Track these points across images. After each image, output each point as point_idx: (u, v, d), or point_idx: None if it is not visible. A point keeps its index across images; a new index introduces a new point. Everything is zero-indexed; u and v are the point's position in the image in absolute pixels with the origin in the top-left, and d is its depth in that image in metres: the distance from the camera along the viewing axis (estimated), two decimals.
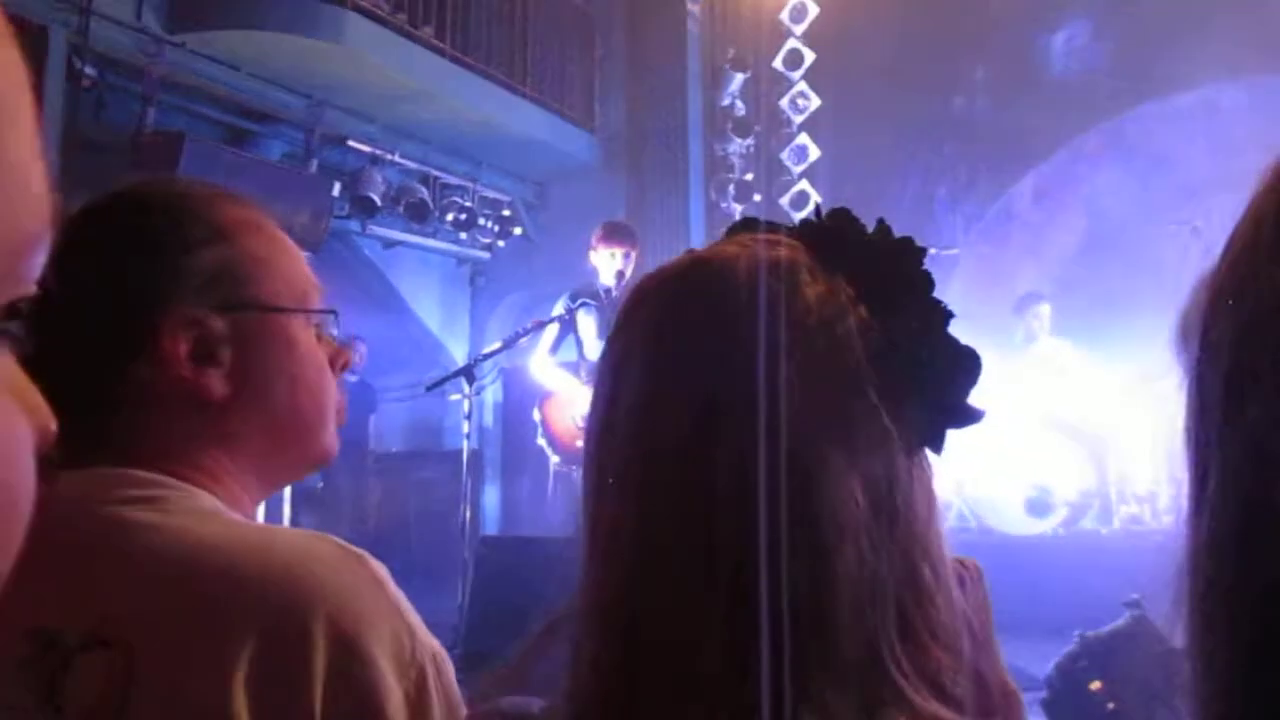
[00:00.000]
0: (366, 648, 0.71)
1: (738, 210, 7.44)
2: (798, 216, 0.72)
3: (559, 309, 4.59)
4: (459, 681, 0.78)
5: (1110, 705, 2.80)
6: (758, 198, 7.56)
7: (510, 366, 6.30)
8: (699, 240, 7.06)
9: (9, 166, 0.29)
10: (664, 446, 0.59)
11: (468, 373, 4.51)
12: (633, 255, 4.52)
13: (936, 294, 0.63)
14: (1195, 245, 4.86)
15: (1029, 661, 2.99)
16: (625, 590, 0.59)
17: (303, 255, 0.94)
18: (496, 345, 4.61)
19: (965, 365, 0.62)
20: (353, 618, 0.72)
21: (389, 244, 7.33)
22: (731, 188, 7.60)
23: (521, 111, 7.24)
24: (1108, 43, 6.69)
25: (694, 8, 7.85)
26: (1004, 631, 0.69)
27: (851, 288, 0.61)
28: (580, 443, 4.32)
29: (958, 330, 0.62)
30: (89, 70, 5.13)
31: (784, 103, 7.49)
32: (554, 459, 4.74)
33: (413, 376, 7.34)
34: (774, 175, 7.58)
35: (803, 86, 7.44)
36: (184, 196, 0.88)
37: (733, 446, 0.57)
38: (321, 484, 6.63)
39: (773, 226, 0.67)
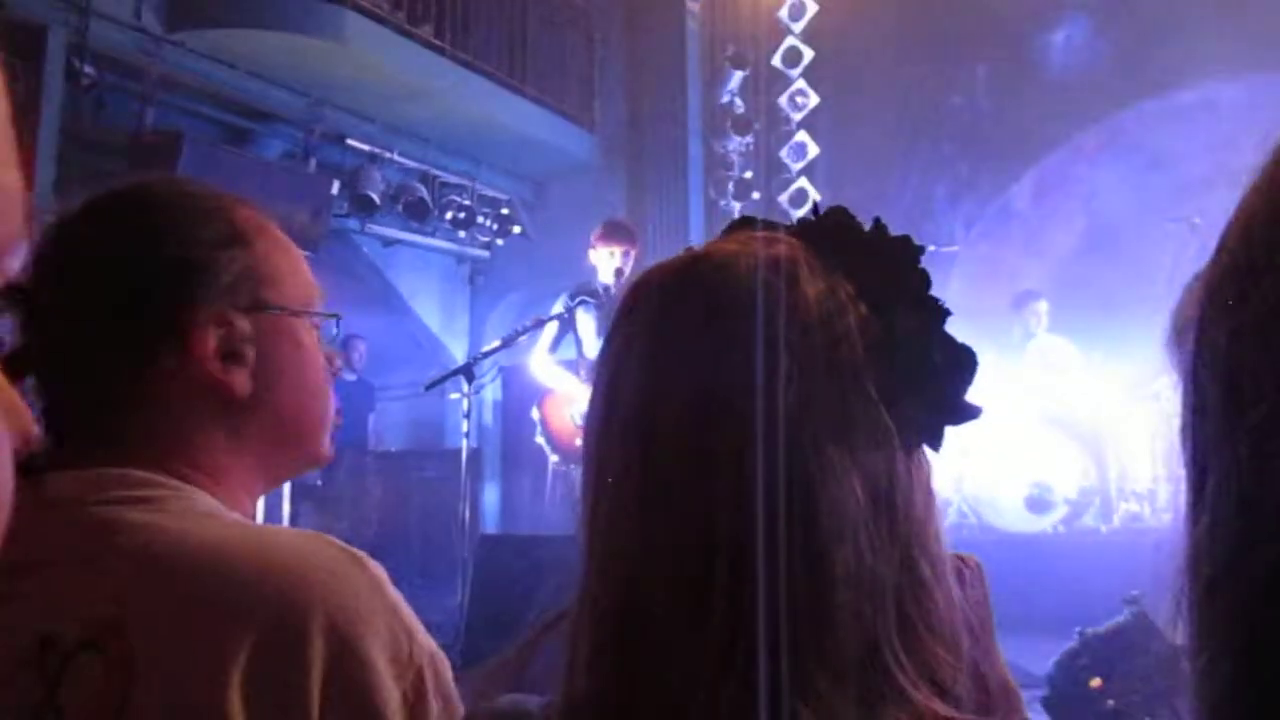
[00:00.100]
0: (364, 649, 0.71)
1: (737, 208, 7.44)
2: (797, 214, 0.72)
3: (558, 307, 4.59)
4: (457, 679, 0.78)
5: (1110, 703, 2.80)
6: (757, 195, 7.56)
7: (509, 365, 6.29)
8: (698, 238, 7.06)
9: None
10: (663, 443, 0.59)
11: (467, 371, 4.51)
12: (632, 253, 4.52)
13: (935, 292, 0.63)
14: (1194, 242, 4.86)
15: (1029, 659, 2.99)
16: (623, 588, 0.59)
17: (303, 257, 0.95)
18: (496, 344, 4.60)
19: (962, 363, 0.62)
20: (351, 619, 0.72)
21: (388, 243, 7.32)
22: (730, 185, 7.60)
23: (520, 109, 7.24)
24: (1107, 41, 6.68)
25: (693, 5, 7.85)
26: (1004, 629, 0.69)
27: (849, 285, 0.61)
28: (579, 441, 4.32)
29: (956, 328, 0.62)
30: (88, 69, 5.13)
31: (783, 100, 7.49)
32: (553, 457, 4.74)
33: (412, 375, 7.34)
34: (773, 173, 7.59)
35: (801, 84, 7.44)
36: (200, 196, 0.89)
37: (732, 443, 0.56)
38: (321, 483, 6.63)
39: (770, 225, 0.67)
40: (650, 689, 0.57)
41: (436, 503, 7.01)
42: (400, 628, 0.75)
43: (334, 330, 0.96)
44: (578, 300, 4.54)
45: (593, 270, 4.60)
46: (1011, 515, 5.68)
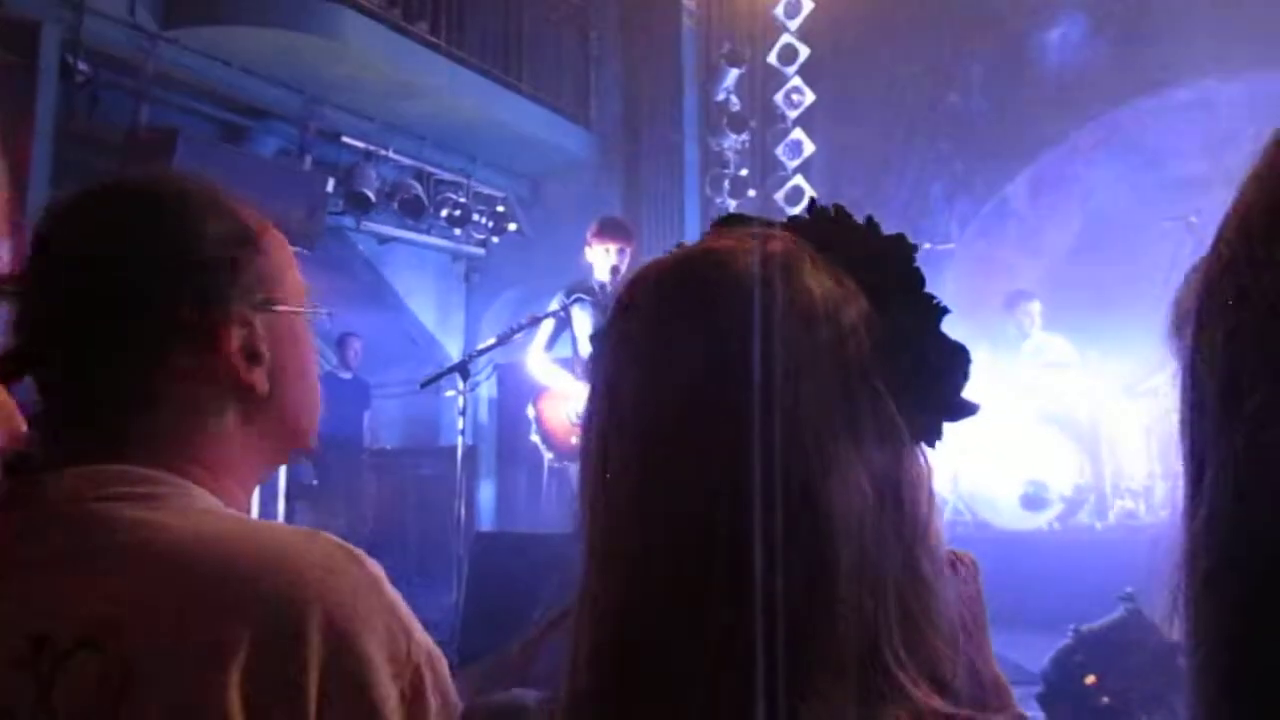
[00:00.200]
0: (362, 646, 0.71)
1: (733, 205, 7.44)
2: (792, 211, 0.72)
3: (554, 305, 4.58)
4: (454, 676, 0.78)
5: (1105, 699, 2.81)
6: (753, 193, 7.57)
7: (505, 362, 6.28)
8: (694, 235, 6.98)
9: None
10: (661, 441, 0.59)
11: (462, 369, 4.50)
12: (628, 251, 4.52)
13: (931, 289, 0.63)
14: (1191, 240, 4.87)
15: (1024, 656, 2.99)
16: (623, 587, 0.59)
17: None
18: (491, 341, 4.60)
19: (956, 361, 0.62)
20: (348, 616, 0.72)
21: (383, 240, 7.31)
22: (727, 183, 7.60)
23: (516, 107, 7.23)
24: (1104, 39, 6.68)
25: (689, 3, 7.85)
26: (999, 626, 0.69)
27: (852, 281, 0.61)
28: (575, 439, 4.31)
29: (953, 326, 0.62)
30: (82, 66, 5.11)
31: (779, 98, 7.49)
32: (548, 455, 4.73)
33: (407, 373, 7.33)
34: (769, 170, 7.59)
35: (797, 81, 7.44)
36: (206, 193, 0.89)
37: (731, 439, 0.56)
38: (316, 481, 6.62)
39: (763, 222, 0.66)
40: (650, 687, 0.56)
41: (432, 500, 7.01)
42: (398, 625, 0.75)
43: (326, 325, 0.97)
44: (574, 298, 4.53)
45: (589, 268, 4.59)
46: (1007, 512, 5.69)
